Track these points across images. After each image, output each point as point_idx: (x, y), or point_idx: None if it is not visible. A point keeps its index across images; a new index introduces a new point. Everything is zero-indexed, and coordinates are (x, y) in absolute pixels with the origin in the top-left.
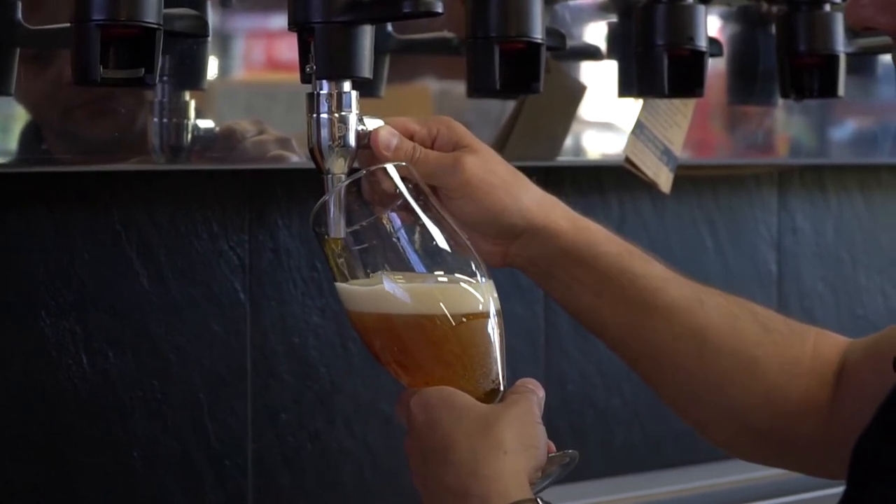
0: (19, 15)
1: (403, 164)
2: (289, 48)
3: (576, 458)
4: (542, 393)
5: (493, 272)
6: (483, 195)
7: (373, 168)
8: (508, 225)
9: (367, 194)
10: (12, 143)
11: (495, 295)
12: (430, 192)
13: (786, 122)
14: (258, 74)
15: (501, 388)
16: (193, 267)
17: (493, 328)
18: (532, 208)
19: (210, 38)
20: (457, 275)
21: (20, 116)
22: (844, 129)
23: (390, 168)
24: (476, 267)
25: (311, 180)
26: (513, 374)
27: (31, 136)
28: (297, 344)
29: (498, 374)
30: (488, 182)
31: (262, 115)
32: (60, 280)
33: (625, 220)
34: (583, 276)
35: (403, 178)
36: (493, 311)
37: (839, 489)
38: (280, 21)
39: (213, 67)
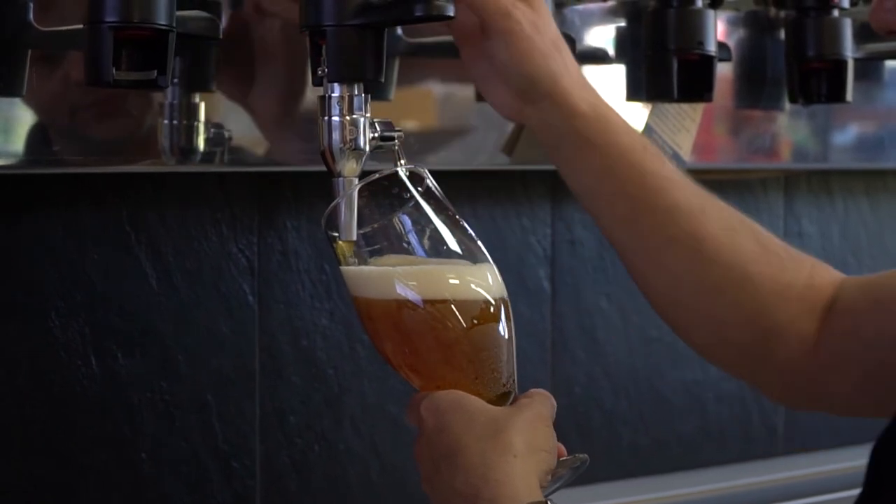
0: (31, 16)
1: (414, 167)
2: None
3: (586, 461)
4: (553, 402)
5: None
6: (521, 50)
7: (385, 172)
8: (532, 86)
9: (379, 197)
10: (23, 144)
11: (507, 298)
12: (443, 196)
13: (793, 127)
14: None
15: (513, 391)
16: (202, 269)
17: (504, 332)
18: (561, 82)
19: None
20: (468, 278)
21: (31, 118)
22: (851, 134)
23: (402, 172)
24: (489, 271)
25: (321, 183)
26: (520, 376)
27: (42, 137)
28: (304, 346)
29: (509, 378)
30: (532, 40)
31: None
32: (70, 281)
33: None
34: (589, 159)
35: (415, 182)
36: (503, 314)
37: (848, 493)
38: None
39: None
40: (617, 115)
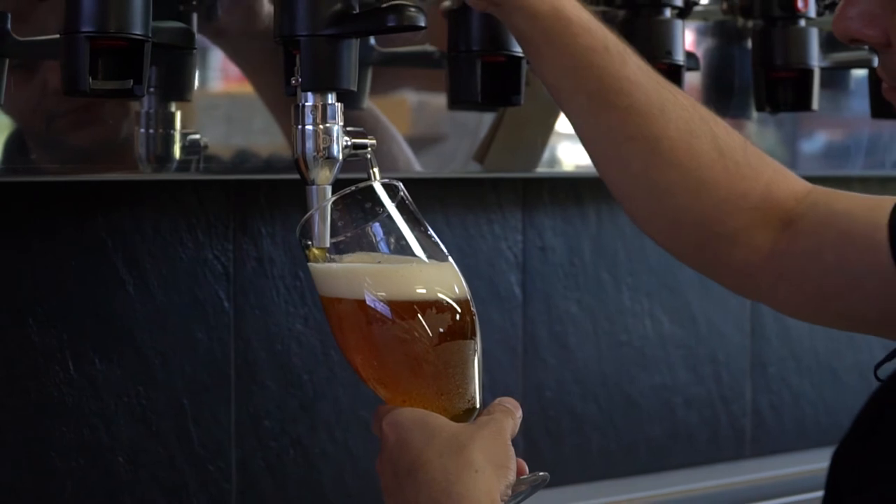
0: (9, 25)
1: (389, 179)
2: None
3: (546, 479)
4: (519, 413)
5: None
6: None
7: (361, 185)
8: None
9: (353, 208)
10: None
11: (475, 314)
12: (416, 209)
13: (760, 135)
14: (243, 86)
15: (477, 406)
16: (178, 275)
17: (471, 348)
18: None
19: (196, 50)
20: (438, 292)
21: (8, 126)
22: (818, 142)
23: (377, 185)
24: (458, 287)
25: (295, 190)
26: (491, 381)
27: (19, 145)
28: (279, 351)
29: (474, 394)
30: None
31: (247, 126)
32: (47, 287)
33: (602, 231)
34: (549, 58)
35: (390, 195)
36: (471, 331)
37: (814, 495)
38: None
39: (199, 79)
40: (581, 15)
